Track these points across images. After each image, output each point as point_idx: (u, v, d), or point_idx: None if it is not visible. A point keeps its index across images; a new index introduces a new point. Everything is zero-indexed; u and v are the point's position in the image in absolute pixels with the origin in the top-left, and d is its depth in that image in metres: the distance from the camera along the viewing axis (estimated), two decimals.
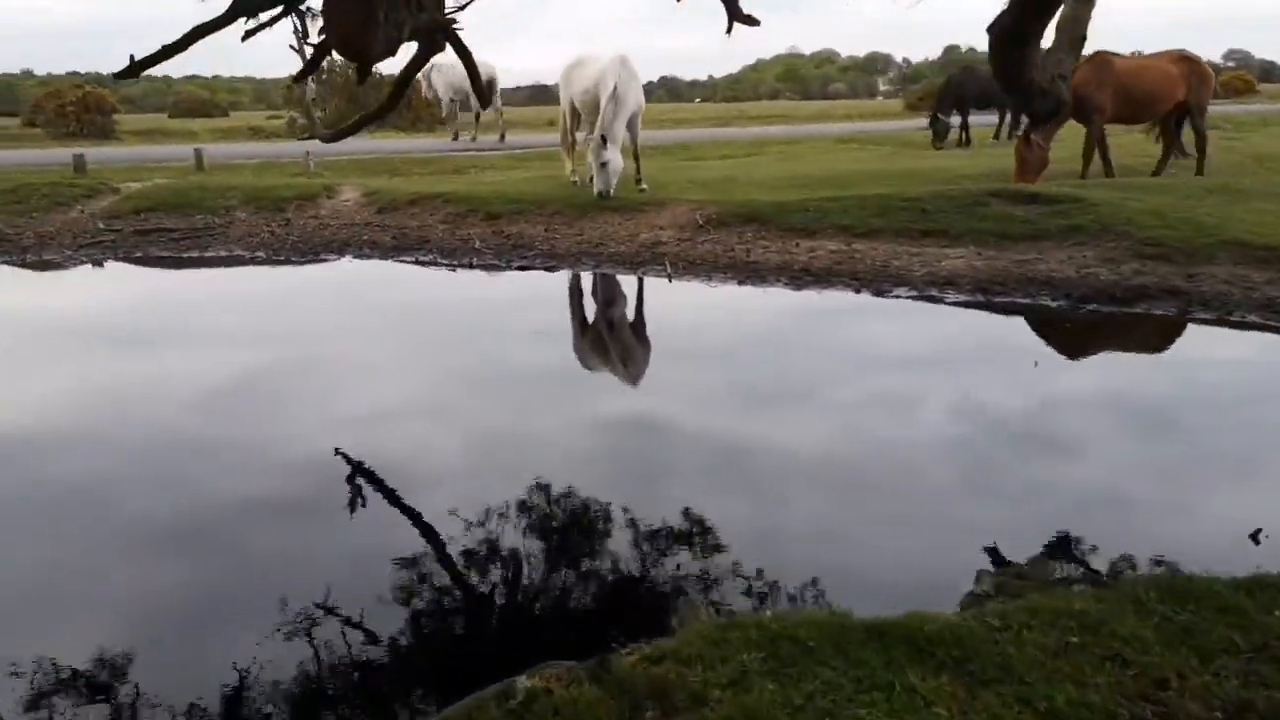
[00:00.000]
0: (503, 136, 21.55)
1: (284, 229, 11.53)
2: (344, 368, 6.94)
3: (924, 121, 22.05)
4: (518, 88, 53.59)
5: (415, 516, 4.47)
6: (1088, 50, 11.94)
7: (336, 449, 5.18)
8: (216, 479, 4.90)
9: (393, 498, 4.72)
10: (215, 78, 71.01)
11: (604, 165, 10.80)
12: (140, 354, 7.37)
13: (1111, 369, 6.89)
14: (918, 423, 5.55)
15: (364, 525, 4.40)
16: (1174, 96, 12.33)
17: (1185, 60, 12.49)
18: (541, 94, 58.89)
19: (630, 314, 8.35)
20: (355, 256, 10.70)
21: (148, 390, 6.46)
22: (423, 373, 6.82)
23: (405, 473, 4.98)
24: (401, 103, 6.37)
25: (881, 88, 79.11)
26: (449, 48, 5.00)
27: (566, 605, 3.71)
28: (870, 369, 6.67)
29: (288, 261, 10.70)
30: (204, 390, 6.37)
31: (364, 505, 4.57)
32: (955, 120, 19.60)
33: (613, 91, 10.69)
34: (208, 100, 44.14)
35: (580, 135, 12.31)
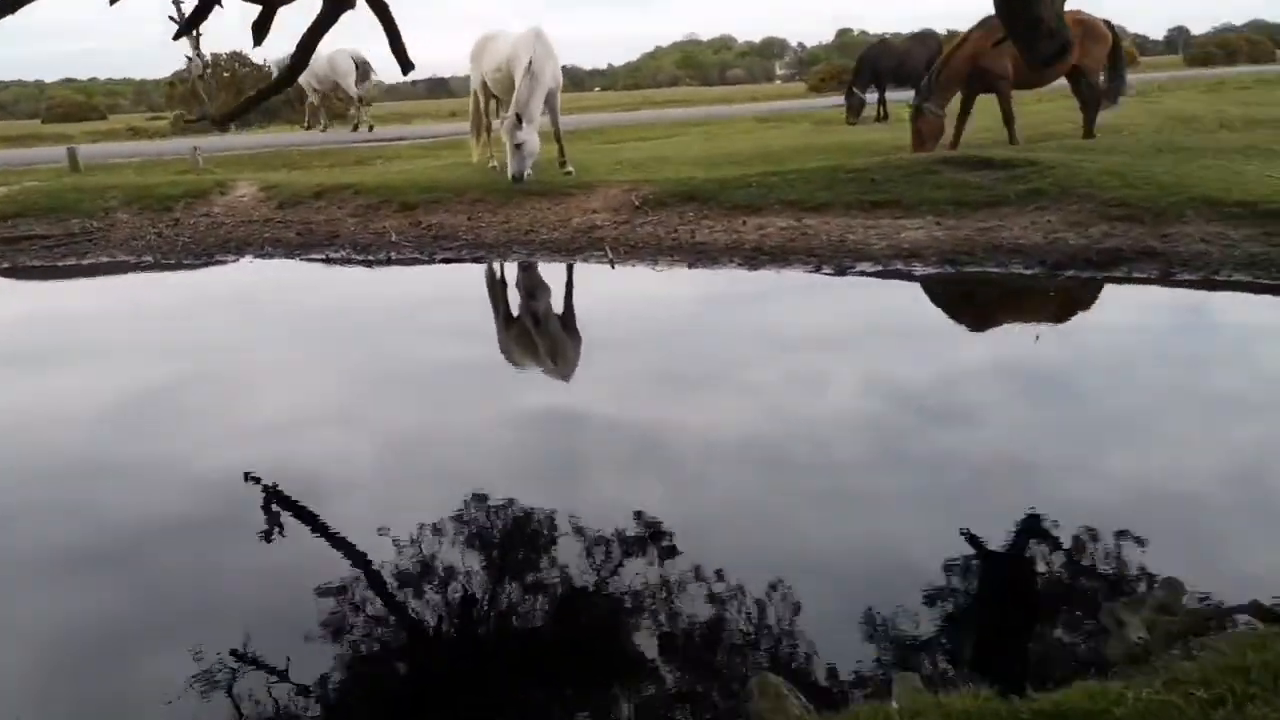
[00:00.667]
0: (356, 127, 20.16)
1: (173, 230, 10.40)
2: (242, 385, 6.00)
3: (833, 100, 21.61)
4: (415, 81, 52.09)
5: (338, 540, 3.78)
6: (980, 17, 11.60)
7: (247, 474, 4.33)
8: (106, 506, 4.16)
9: (310, 522, 3.97)
10: (92, 80, 67.67)
11: (518, 147, 9.89)
12: (6, 375, 6.32)
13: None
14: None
15: (280, 553, 3.74)
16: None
17: (1079, 22, 12.07)
18: (440, 86, 57.48)
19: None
20: (256, 256, 9.65)
21: (18, 415, 5.46)
22: (343, 384, 5.93)
23: (322, 497, 4.20)
24: (298, 78, 5.48)
25: (779, 71, 79.33)
26: (361, 5, 4.22)
27: (531, 649, 2.97)
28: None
29: (179, 265, 9.61)
30: (87, 412, 5.41)
31: (282, 533, 3.87)
32: (871, 96, 19.19)
33: (527, 67, 9.82)
34: (84, 104, 41.87)
35: (497, 123, 11.40)
